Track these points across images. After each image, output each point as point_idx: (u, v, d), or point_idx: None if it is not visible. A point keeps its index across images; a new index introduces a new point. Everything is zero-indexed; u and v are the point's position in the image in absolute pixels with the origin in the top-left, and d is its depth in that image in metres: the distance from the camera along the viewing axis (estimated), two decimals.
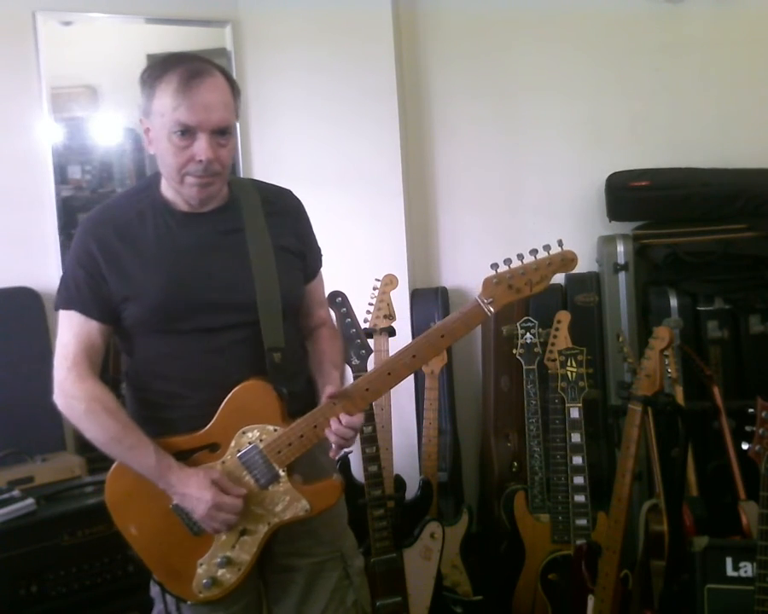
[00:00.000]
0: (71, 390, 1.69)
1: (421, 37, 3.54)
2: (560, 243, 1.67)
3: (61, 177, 3.10)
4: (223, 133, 1.67)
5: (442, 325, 1.69)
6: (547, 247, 1.67)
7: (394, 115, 3.37)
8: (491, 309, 1.66)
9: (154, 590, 1.80)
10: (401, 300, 3.20)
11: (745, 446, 1.96)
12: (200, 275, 1.71)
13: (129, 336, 1.76)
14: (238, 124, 3.38)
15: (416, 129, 3.55)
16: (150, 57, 3.34)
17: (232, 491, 1.67)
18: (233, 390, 1.71)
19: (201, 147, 1.64)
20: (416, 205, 3.56)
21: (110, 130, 3.30)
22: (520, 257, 1.67)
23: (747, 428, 1.95)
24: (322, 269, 1.96)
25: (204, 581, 1.71)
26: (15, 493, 2.32)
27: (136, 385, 1.80)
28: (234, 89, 1.71)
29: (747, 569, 2.11)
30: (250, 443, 1.70)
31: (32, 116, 3.02)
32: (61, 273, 2.93)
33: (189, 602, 1.74)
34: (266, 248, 1.76)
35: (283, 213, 1.85)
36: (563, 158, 3.49)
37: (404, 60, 3.49)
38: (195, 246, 1.73)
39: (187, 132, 1.63)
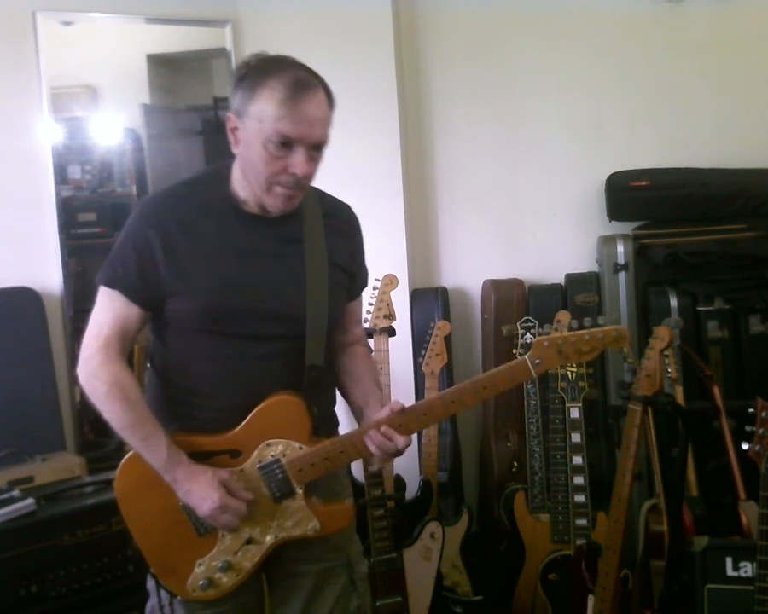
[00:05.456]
0: (96, 370, 1.65)
1: (421, 37, 3.54)
2: (614, 320, 1.67)
3: (61, 177, 3.10)
4: (318, 148, 1.64)
5: (487, 376, 1.68)
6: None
7: (394, 115, 3.37)
8: (537, 370, 1.66)
9: (150, 583, 1.80)
10: (401, 300, 3.20)
11: (745, 446, 1.96)
12: (255, 281, 1.68)
13: (166, 325, 1.72)
14: None
15: (416, 129, 3.55)
16: (150, 57, 3.35)
17: (239, 494, 1.66)
18: (266, 401, 1.69)
19: (299, 160, 1.60)
20: (415, 205, 3.56)
21: (110, 130, 3.30)
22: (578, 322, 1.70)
23: (747, 428, 1.95)
24: None
25: (201, 582, 1.70)
26: (15, 493, 2.31)
27: (162, 374, 1.78)
28: (331, 102, 1.67)
29: (747, 569, 2.11)
30: (273, 456, 1.69)
31: (32, 116, 3.01)
32: (61, 273, 3.02)
33: (179, 597, 1.74)
34: (322, 263, 1.74)
35: (341, 229, 1.83)
36: (563, 158, 3.49)
37: (404, 61, 3.49)
38: (255, 251, 1.69)
39: (286, 144, 1.59)
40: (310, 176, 1.65)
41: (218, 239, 1.68)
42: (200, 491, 1.63)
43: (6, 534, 2.20)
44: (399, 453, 1.68)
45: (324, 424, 1.76)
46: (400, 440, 1.65)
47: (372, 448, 1.66)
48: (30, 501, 2.28)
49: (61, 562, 2.27)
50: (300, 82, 1.59)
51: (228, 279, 1.67)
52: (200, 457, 1.68)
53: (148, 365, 1.84)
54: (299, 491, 1.70)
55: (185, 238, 1.66)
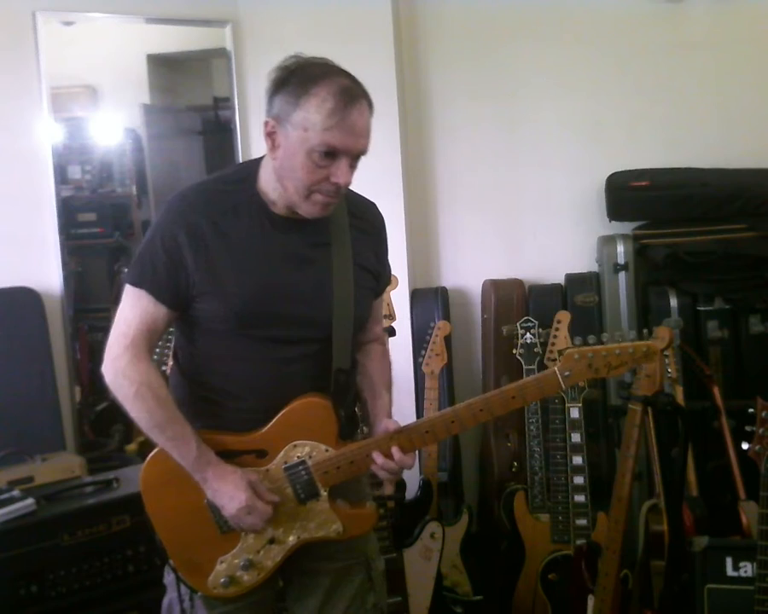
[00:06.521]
0: (124, 369, 1.64)
1: (421, 37, 3.54)
2: (645, 335, 1.66)
3: (61, 177, 3.10)
4: (358, 157, 1.64)
5: (515, 386, 1.69)
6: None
7: (394, 115, 3.37)
8: (566, 383, 1.67)
9: (168, 578, 1.79)
10: (401, 300, 3.20)
11: (745, 446, 1.97)
12: (285, 285, 1.68)
13: (194, 325, 1.71)
14: (238, 125, 3.39)
15: (416, 129, 3.55)
16: (150, 57, 3.35)
17: (265, 497, 1.66)
18: (294, 403, 1.69)
19: (342, 170, 1.59)
20: (415, 205, 3.56)
21: (110, 130, 3.30)
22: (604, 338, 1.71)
23: (747, 428, 1.96)
24: None
25: (222, 579, 1.71)
26: (15, 493, 2.31)
27: (187, 372, 1.77)
28: (372, 110, 1.65)
29: (747, 569, 2.12)
30: (299, 457, 1.69)
31: (32, 116, 3.01)
32: (61, 273, 3.02)
33: (199, 593, 1.74)
34: (348, 266, 1.73)
35: (367, 230, 1.82)
36: (563, 157, 3.49)
37: (403, 60, 3.49)
38: (285, 255, 1.68)
39: (330, 154, 1.57)
40: (349, 184, 1.64)
41: (249, 241, 1.67)
42: (229, 491, 1.64)
43: (6, 534, 2.19)
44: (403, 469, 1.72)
45: (348, 424, 1.76)
46: (407, 460, 1.69)
47: (381, 474, 1.70)
48: (30, 500, 2.28)
49: (61, 562, 2.26)
50: (348, 92, 1.57)
51: (258, 282, 1.66)
52: (226, 456, 1.68)
53: (172, 362, 1.83)
54: (324, 493, 1.70)
55: (215, 237, 1.65)
